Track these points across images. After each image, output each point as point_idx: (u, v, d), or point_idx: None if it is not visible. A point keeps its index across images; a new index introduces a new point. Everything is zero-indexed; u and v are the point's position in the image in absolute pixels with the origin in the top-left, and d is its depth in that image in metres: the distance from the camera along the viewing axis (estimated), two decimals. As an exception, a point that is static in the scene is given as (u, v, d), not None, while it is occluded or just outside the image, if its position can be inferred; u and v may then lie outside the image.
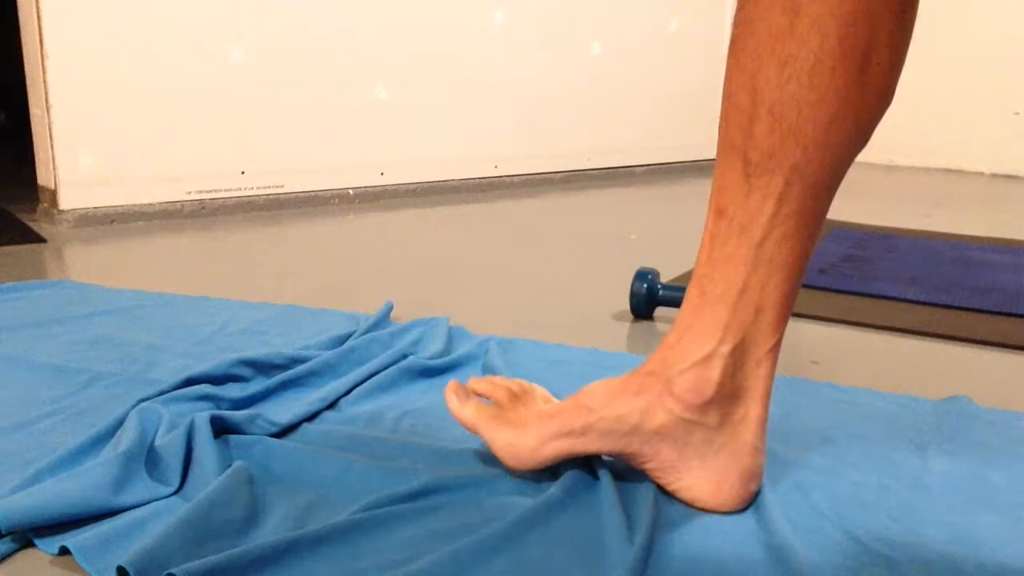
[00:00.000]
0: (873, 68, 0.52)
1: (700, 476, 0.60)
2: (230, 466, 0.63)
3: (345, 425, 0.73)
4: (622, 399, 0.60)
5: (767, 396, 0.60)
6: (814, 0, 0.51)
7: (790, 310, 0.59)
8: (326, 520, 0.57)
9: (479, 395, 0.70)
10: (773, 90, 0.53)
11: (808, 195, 0.55)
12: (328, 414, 0.75)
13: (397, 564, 0.53)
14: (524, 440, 0.62)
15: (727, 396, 0.59)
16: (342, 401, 0.78)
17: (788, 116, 0.53)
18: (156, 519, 0.58)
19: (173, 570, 0.48)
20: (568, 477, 0.62)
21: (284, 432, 0.71)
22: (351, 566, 0.52)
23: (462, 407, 0.66)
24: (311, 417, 0.74)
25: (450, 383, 0.68)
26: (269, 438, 0.67)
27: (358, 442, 0.68)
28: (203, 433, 0.65)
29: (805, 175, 0.54)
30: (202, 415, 0.67)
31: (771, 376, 0.60)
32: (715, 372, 0.58)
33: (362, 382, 0.81)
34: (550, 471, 0.64)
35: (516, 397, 0.68)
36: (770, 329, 0.59)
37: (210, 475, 0.61)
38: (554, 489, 0.60)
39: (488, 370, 0.87)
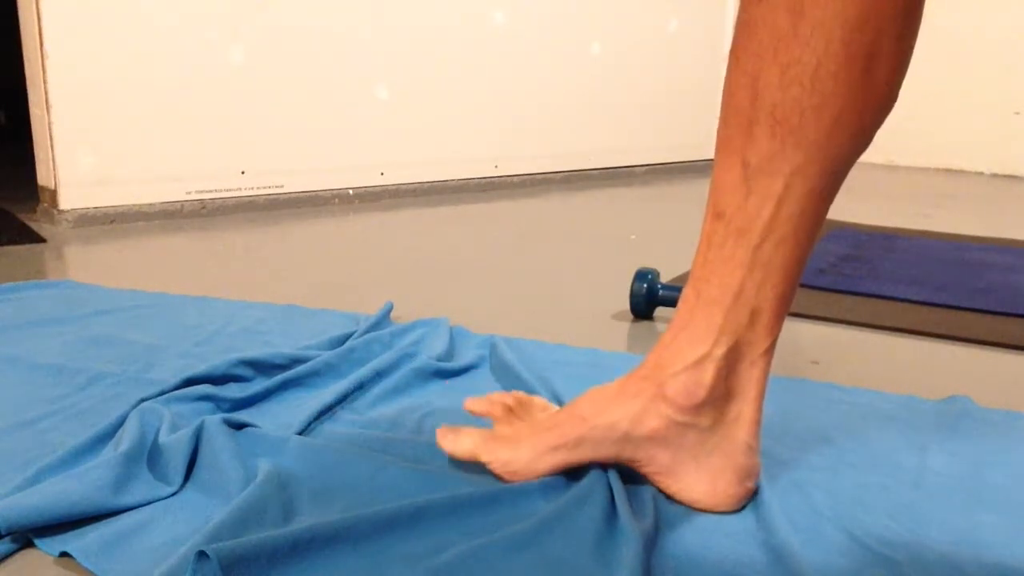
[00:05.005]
0: (877, 72, 0.52)
1: (696, 477, 0.60)
2: (246, 465, 0.62)
3: (368, 428, 0.72)
4: (615, 405, 0.60)
5: (761, 396, 0.60)
6: (818, 4, 0.50)
7: (786, 313, 0.59)
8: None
9: (476, 415, 0.69)
10: (775, 93, 0.53)
11: (808, 199, 0.55)
12: (347, 416, 0.75)
13: (422, 557, 0.53)
14: (519, 456, 0.62)
15: (720, 398, 0.59)
16: (359, 403, 0.78)
17: (790, 119, 0.53)
18: (159, 520, 0.58)
19: (204, 548, 0.48)
20: (592, 476, 0.61)
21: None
22: (377, 557, 0.53)
23: (456, 442, 0.65)
24: (320, 417, 0.74)
25: (438, 431, 0.66)
26: (297, 437, 0.67)
27: (386, 444, 0.68)
28: (217, 434, 0.65)
29: (805, 178, 0.54)
30: (213, 418, 0.67)
31: (765, 377, 0.60)
32: (707, 375, 0.58)
33: (365, 382, 0.81)
34: (572, 471, 0.63)
35: (511, 411, 0.68)
36: (765, 332, 0.59)
37: (227, 472, 0.61)
38: (579, 488, 0.60)
39: (498, 368, 0.87)
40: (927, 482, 0.67)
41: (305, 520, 0.57)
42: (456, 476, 0.63)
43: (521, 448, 0.62)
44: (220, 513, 0.55)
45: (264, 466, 0.62)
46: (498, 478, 0.63)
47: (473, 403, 0.70)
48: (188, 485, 0.62)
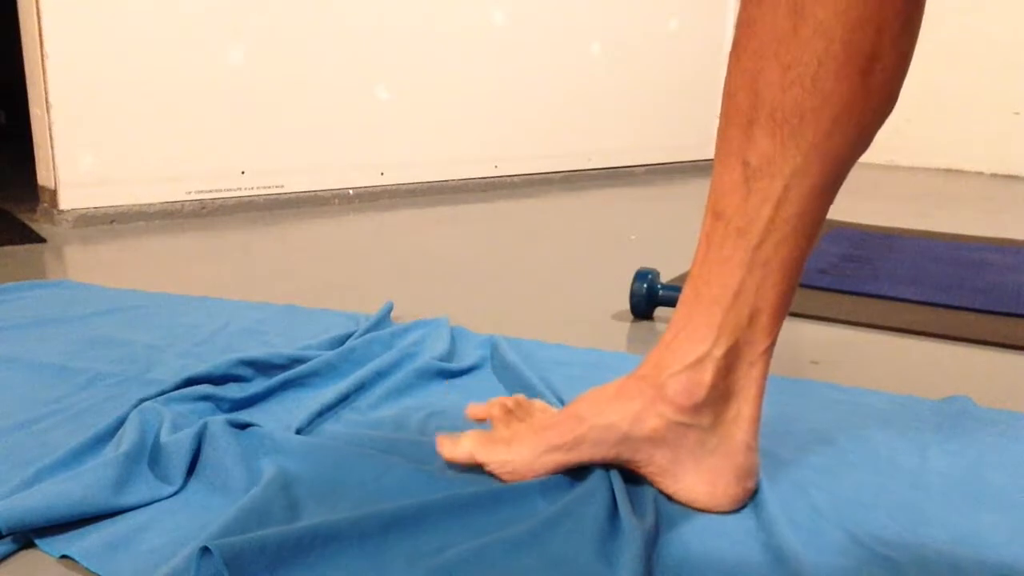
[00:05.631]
0: (877, 73, 0.52)
1: (695, 477, 0.60)
2: (250, 465, 0.62)
3: (372, 428, 0.72)
4: (613, 406, 0.60)
5: (760, 396, 0.60)
6: (819, 4, 0.50)
7: (785, 313, 0.59)
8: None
9: (478, 421, 0.70)
10: (775, 94, 0.53)
11: (807, 199, 0.55)
12: (350, 416, 0.75)
13: (425, 556, 0.53)
14: (518, 456, 0.62)
15: (719, 397, 0.59)
16: (362, 403, 0.78)
17: (790, 121, 0.53)
18: (161, 520, 0.58)
19: (207, 543, 0.48)
20: (595, 476, 0.61)
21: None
22: (380, 555, 0.53)
23: (455, 448, 0.64)
24: (321, 417, 0.74)
25: (437, 439, 0.66)
26: (302, 437, 0.67)
27: (390, 445, 0.68)
28: (221, 434, 0.65)
29: (805, 179, 0.54)
30: (217, 419, 0.67)
31: (764, 377, 0.60)
32: (707, 375, 0.58)
33: (366, 383, 0.81)
34: (573, 471, 0.63)
35: (510, 412, 0.68)
36: (764, 332, 0.58)
37: (231, 472, 0.61)
38: (582, 487, 0.60)
39: (501, 369, 0.87)
40: (927, 482, 0.67)
41: (310, 520, 0.57)
42: (461, 477, 0.63)
43: (519, 448, 0.62)
44: (225, 514, 0.56)
45: (269, 467, 0.62)
46: (497, 479, 0.63)
47: (475, 409, 0.70)
48: (191, 485, 0.62)
